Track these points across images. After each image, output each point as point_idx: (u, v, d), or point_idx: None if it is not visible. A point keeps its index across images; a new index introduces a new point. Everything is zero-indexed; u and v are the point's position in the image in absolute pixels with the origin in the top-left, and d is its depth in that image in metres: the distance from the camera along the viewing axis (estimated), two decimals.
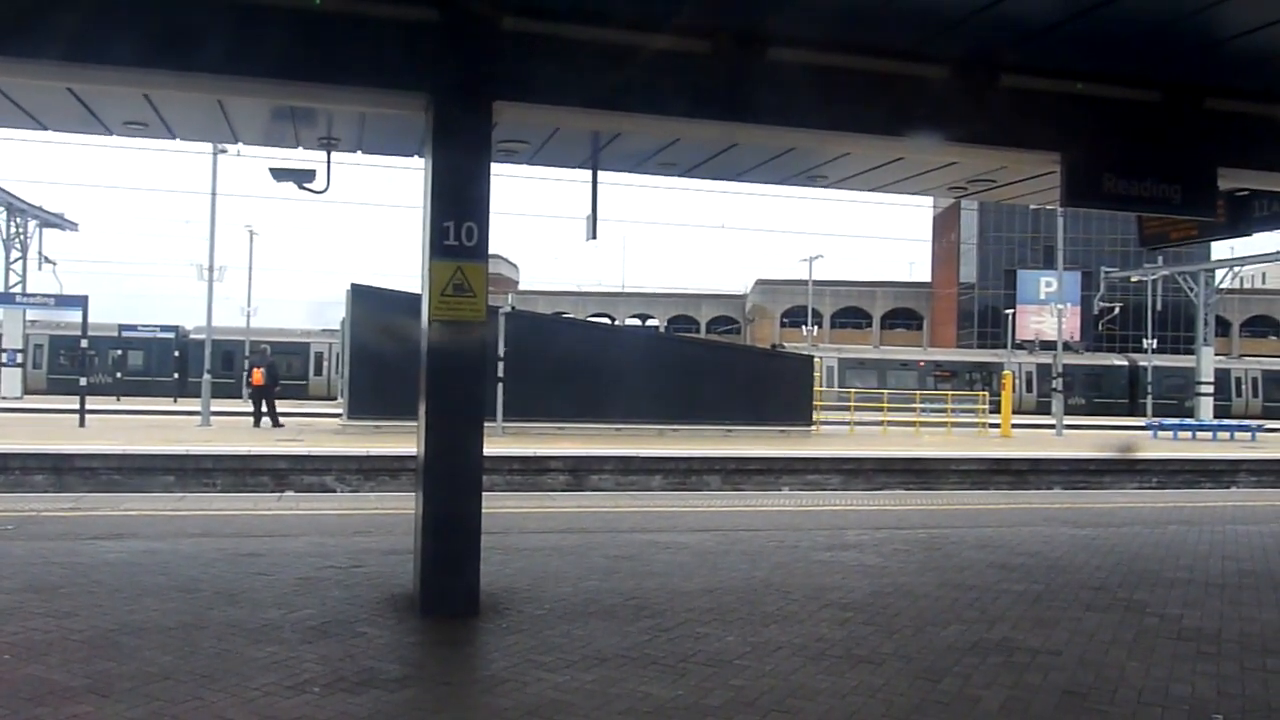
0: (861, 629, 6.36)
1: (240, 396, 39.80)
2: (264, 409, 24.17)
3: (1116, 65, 7.49)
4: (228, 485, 16.61)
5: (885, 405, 31.73)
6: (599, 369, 24.09)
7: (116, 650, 5.41)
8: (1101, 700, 5.07)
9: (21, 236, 34.58)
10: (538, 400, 23.14)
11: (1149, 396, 45.00)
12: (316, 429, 23.24)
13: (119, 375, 39.80)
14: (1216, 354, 42.34)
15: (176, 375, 42.95)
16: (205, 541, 8.76)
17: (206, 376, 25.79)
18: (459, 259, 6.41)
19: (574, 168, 9.50)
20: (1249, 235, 9.56)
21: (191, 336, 43.48)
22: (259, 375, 24.49)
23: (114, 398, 36.68)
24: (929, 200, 75.56)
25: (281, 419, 24.21)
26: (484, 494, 6.70)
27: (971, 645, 6.03)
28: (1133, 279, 43.74)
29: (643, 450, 19.95)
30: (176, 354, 44.01)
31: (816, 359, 32.21)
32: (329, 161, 8.83)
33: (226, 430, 22.51)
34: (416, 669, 5.48)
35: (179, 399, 39.11)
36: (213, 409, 25.05)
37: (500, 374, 22.64)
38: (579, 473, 18.78)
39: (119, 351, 41.55)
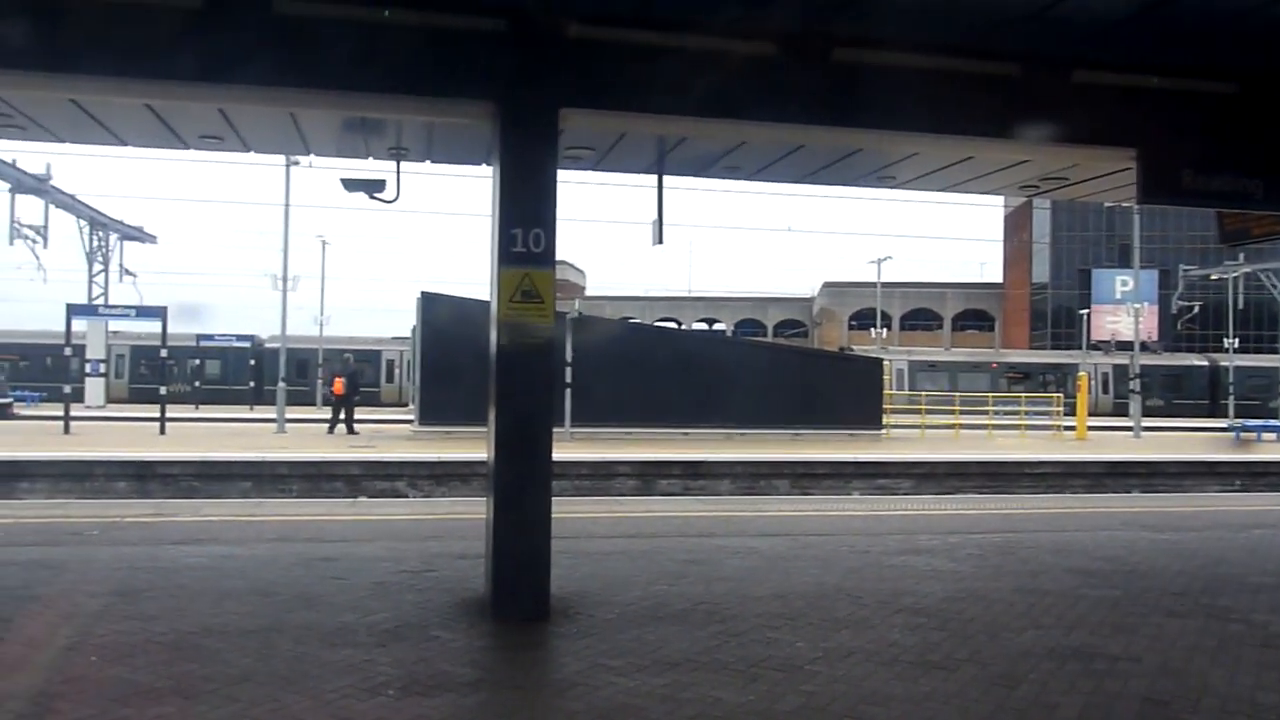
0: (935, 634, 6.27)
1: (315, 404, 40.64)
2: (341, 416, 24.60)
3: (1192, 58, 7.29)
4: (303, 491, 16.92)
5: (957, 408, 31.27)
6: (666, 374, 24.09)
7: (198, 653, 5.55)
8: (1184, 709, 4.94)
9: (103, 250, 35.62)
10: (606, 405, 23.22)
11: (1230, 397, 43.69)
12: (388, 435, 23.59)
13: (197, 384, 40.81)
14: None
15: (252, 384, 43.94)
16: (282, 546, 8.95)
17: (282, 384, 26.32)
18: (527, 266, 6.47)
19: (640, 173, 9.52)
20: None
21: (266, 345, 44.45)
22: (340, 384, 24.92)
23: (192, 405, 37.63)
24: (1000, 200, 74.37)
25: (357, 426, 24.62)
26: (553, 499, 6.75)
27: (1048, 651, 5.92)
28: (1212, 277, 42.48)
29: (710, 455, 19.91)
30: (252, 363, 45.04)
31: (886, 362, 31.84)
32: (399, 171, 8.97)
33: (301, 437, 22.95)
34: (488, 672, 5.53)
35: (254, 406, 39.99)
36: (287, 416, 25.56)
37: (568, 379, 22.77)
38: (647, 478, 18.79)
39: (197, 361, 42.60)
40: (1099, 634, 6.36)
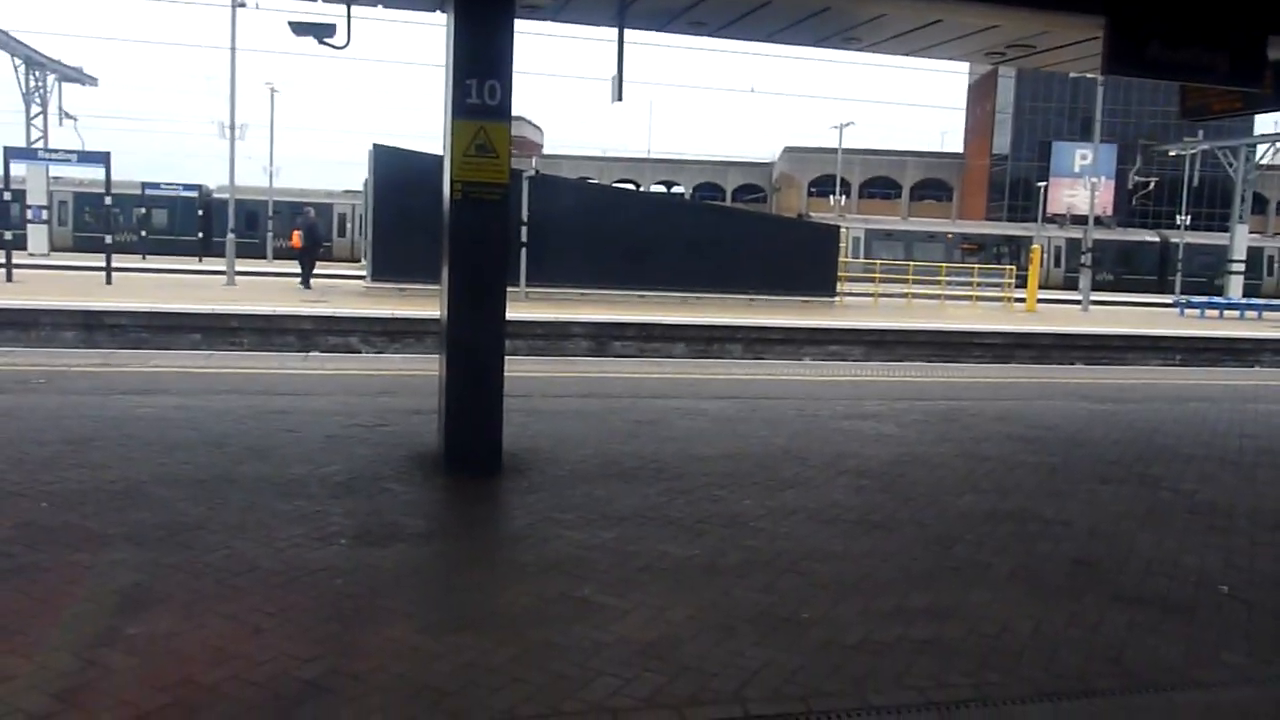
0: (877, 496, 6.46)
1: (265, 256, 39.97)
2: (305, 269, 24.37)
3: None
4: (254, 344, 16.80)
5: (911, 278, 31.51)
6: (623, 235, 23.93)
7: (149, 501, 5.57)
8: (1110, 570, 5.16)
9: (41, 91, 34.11)
10: (561, 266, 23.10)
11: (1179, 273, 44.43)
12: (341, 290, 23.36)
13: (143, 234, 39.84)
14: (1252, 232, 41.56)
15: (200, 235, 43.03)
16: (233, 398, 8.92)
17: (231, 236, 25.78)
18: (482, 118, 6.31)
19: (600, 25, 9.22)
20: None
21: (214, 195, 43.38)
22: (297, 237, 24.57)
23: (139, 256, 36.85)
24: (965, 68, 73.38)
25: (310, 281, 24.36)
26: (506, 358, 6.75)
27: (985, 514, 6.12)
28: (1171, 153, 42.63)
29: (665, 317, 19.98)
30: (200, 213, 44.01)
31: (843, 229, 31.83)
32: (349, 16, 8.60)
33: (251, 290, 22.66)
34: (440, 524, 5.63)
35: (203, 258, 39.28)
36: (237, 269, 25.15)
37: (524, 239, 22.54)
38: (601, 339, 18.87)
39: (143, 210, 41.51)
40: (1034, 498, 6.58)
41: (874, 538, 5.53)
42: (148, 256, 36.37)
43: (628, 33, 9.06)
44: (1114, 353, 21.80)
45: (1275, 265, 51.19)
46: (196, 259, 38.98)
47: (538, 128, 70.70)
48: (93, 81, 36.43)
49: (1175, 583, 5.00)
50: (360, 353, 16.87)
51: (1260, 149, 38.16)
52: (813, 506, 6.10)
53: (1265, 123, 49.36)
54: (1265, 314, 30.90)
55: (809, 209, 62.31)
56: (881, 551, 5.28)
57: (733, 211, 43.54)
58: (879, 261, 35.54)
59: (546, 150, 70.45)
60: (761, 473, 6.94)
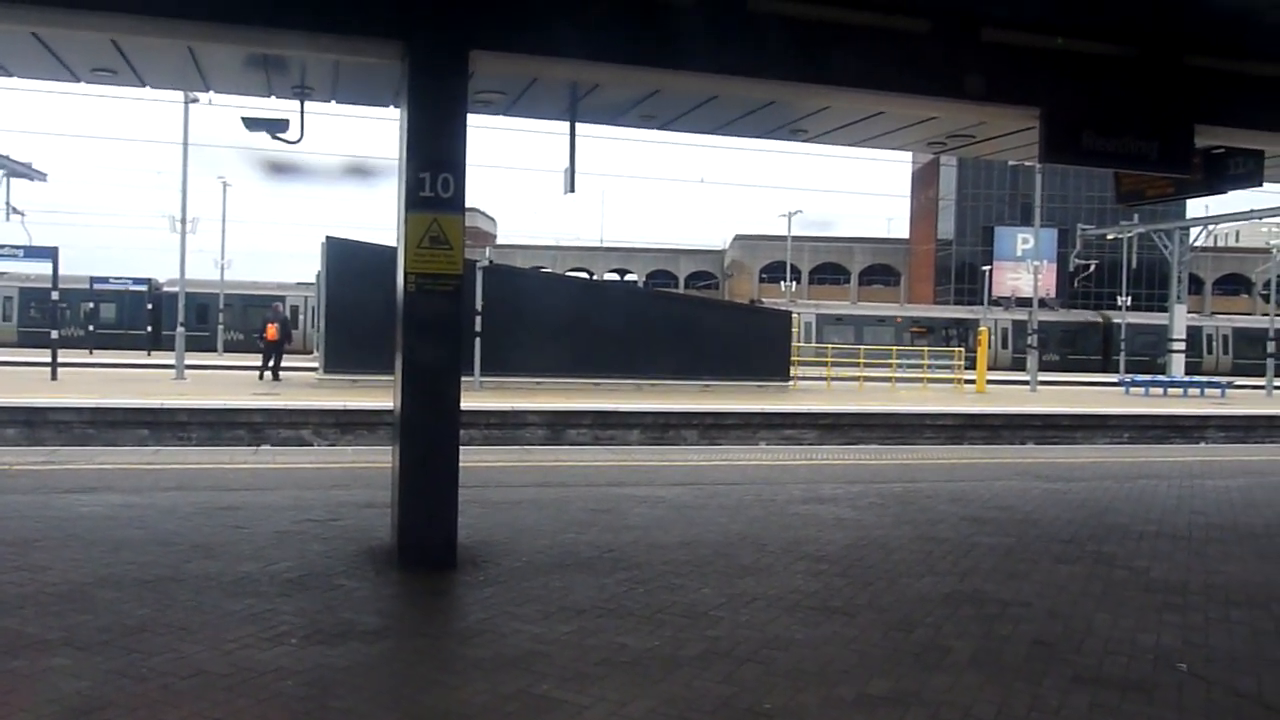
0: (836, 581, 6.43)
1: (215, 350, 39.59)
2: (271, 362, 24.30)
3: (1096, 20, 7.46)
4: (203, 439, 16.54)
5: (862, 361, 31.88)
6: (577, 324, 24.03)
7: (92, 603, 5.40)
8: (1069, 650, 5.16)
9: None
10: (515, 355, 23.11)
11: (1122, 353, 45.41)
12: (293, 383, 23.13)
13: (91, 328, 39.37)
14: (1189, 311, 42.68)
15: (149, 328, 42.59)
16: (181, 495, 8.74)
17: (181, 329, 25.51)
18: (435, 211, 6.36)
19: (552, 119, 9.40)
20: (1223, 193, 9.56)
21: (164, 289, 43.07)
22: (273, 330, 24.61)
23: (86, 351, 36.34)
24: (908, 157, 75.45)
25: (267, 374, 24.19)
26: (461, 448, 6.70)
27: (944, 597, 6.11)
28: (1108, 236, 43.88)
29: (620, 405, 19.99)
30: (149, 307, 43.62)
31: (795, 315, 32.24)
32: (303, 111, 8.70)
33: (201, 384, 22.37)
34: (394, 621, 5.51)
35: (152, 352, 38.81)
36: (187, 362, 24.86)
37: (478, 328, 22.57)
38: (557, 427, 18.82)
39: (90, 304, 41.08)
40: (992, 580, 6.59)
41: (834, 623, 5.49)
42: (95, 351, 35.90)
43: (580, 125, 9.24)
44: (1063, 431, 22.12)
45: (1214, 344, 52.57)
46: (145, 353, 38.49)
47: (491, 218, 71.34)
48: (42, 177, 36.17)
49: (1134, 661, 5.01)
50: (313, 445, 16.66)
51: (1193, 232, 39.43)
52: (772, 593, 6.06)
53: (1196, 207, 51.09)
54: (1207, 391, 31.58)
55: (761, 295, 63.11)
56: (842, 637, 5.25)
57: (686, 298, 43.97)
58: (831, 345, 35.96)
59: (500, 240, 71.12)
60: (720, 560, 6.89)
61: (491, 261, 26.01)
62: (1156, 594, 6.38)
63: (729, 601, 5.85)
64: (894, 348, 37.00)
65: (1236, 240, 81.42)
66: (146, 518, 7.73)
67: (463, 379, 6.86)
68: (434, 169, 6.35)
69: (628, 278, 77.79)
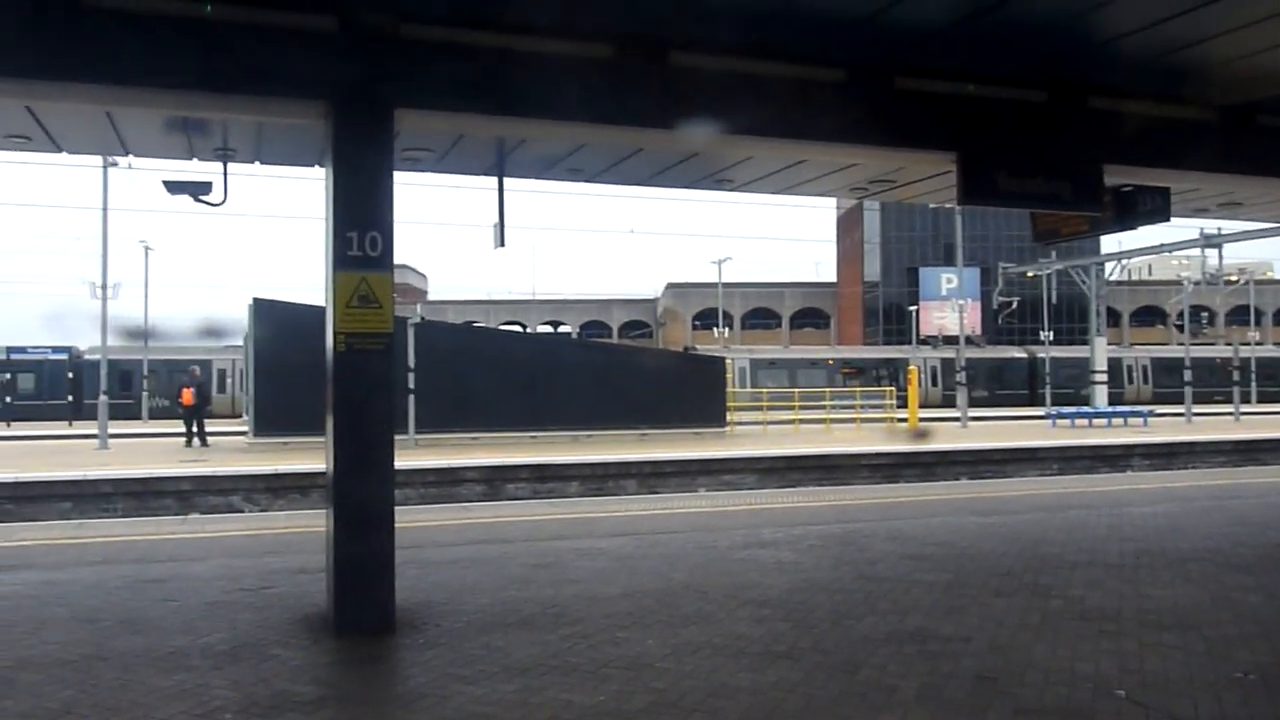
0: (779, 625, 6.43)
1: (140, 417, 38.60)
2: (194, 429, 23.68)
3: (1006, 67, 7.72)
4: (129, 510, 16.04)
5: (797, 404, 32.17)
6: (512, 377, 23.95)
7: (12, 687, 5.19)
8: (1012, 683, 5.21)
9: None
10: (451, 411, 22.92)
11: (1047, 386, 46.44)
12: (222, 448, 22.63)
13: (8, 399, 38.19)
14: (1109, 344, 43.89)
15: (70, 398, 41.44)
16: (106, 569, 8.46)
17: (103, 398, 24.86)
18: (364, 270, 6.31)
19: (480, 174, 9.43)
20: (1134, 229, 9.92)
21: (85, 357, 42.02)
22: (189, 395, 24.02)
23: (4, 424, 35.21)
24: (833, 202, 76.89)
25: (195, 441, 23.63)
26: (397, 508, 6.61)
27: (886, 636, 6.14)
28: (1029, 274, 45.01)
29: (558, 457, 19.88)
30: (70, 375, 42.48)
31: (729, 360, 32.48)
32: (226, 172, 8.61)
33: (126, 453, 21.78)
34: (332, 689, 5.37)
35: (73, 422, 37.71)
36: (111, 431, 24.19)
37: (410, 385, 22.35)
38: (495, 483, 18.63)
39: (7, 375, 39.89)
40: (933, 616, 6.65)
41: (779, 668, 5.48)
42: (13, 424, 34.80)
43: (508, 180, 9.28)
44: (995, 465, 22.49)
45: (1134, 374, 54.06)
46: (67, 423, 37.39)
47: (422, 274, 71.01)
48: None
49: (1074, 690, 5.07)
50: (243, 512, 16.28)
51: (1109, 266, 40.65)
52: (717, 641, 6.04)
53: (1110, 242, 52.77)
54: (1130, 420, 32.41)
55: (694, 342, 63.48)
56: (787, 682, 5.24)
57: (621, 348, 44.09)
58: (765, 390, 36.25)
59: (431, 296, 70.73)
60: (663, 610, 6.85)
61: (423, 318, 25.87)
62: (1092, 622, 6.48)
63: (673, 652, 5.81)
64: (827, 389, 37.43)
65: (1149, 273, 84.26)
66: (70, 594, 7.47)
67: (397, 437, 6.78)
68: (361, 228, 6.32)
69: (561, 329, 77.79)
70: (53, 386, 42.56)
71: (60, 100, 6.60)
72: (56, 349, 42.93)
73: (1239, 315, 68.53)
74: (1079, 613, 6.76)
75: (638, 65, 6.94)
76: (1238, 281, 54.28)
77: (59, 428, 34.45)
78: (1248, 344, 48.01)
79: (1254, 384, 45.56)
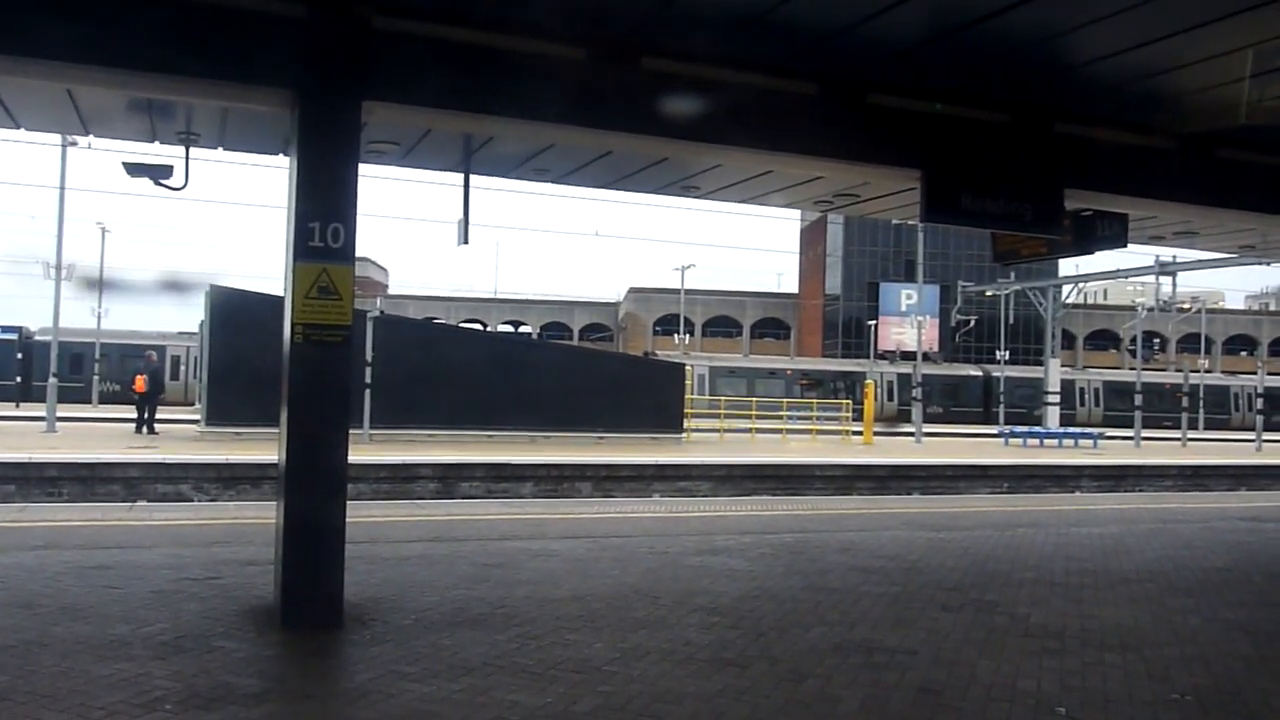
0: (728, 633, 6.45)
1: (91, 401, 37.94)
2: (145, 415, 23.29)
3: (973, 87, 7.82)
4: (75, 495, 15.77)
5: (754, 413, 32.30)
6: (470, 375, 23.82)
7: None
8: (955, 697, 5.27)
9: None
10: (407, 407, 22.76)
11: (1001, 405, 47.01)
12: (173, 436, 22.31)
13: None
14: (1063, 365, 44.50)
15: (19, 379, 40.63)
16: (49, 554, 8.31)
17: (53, 380, 24.43)
18: (325, 261, 6.26)
19: (446, 171, 9.40)
20: (1092, 253, 10.08)
21: (36, 338, 41.24)
22: (141, 382, 23.63)
23: None
24: (797, 214, 77.35)
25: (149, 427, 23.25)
26: (349, 503, 6.55)
27: (834, 646, 6.19)
28: (987, 293, 45.58)
29: (513, 457, 19.82)
30: (19, 356, 41.64)
31: (688, 367, 32.53)
32: (188, 157, 8.52)
33: (74, 437, 21.40)
34: (276, 683, 5.31)
35: (21, 404, 36.97)
36: (59, 414, 23.76)
37: (368, 380, 22.18)
38: (449, 480, 18.52)
39: None
40: (879, 628, 6.70)
41: (726, 676, 5.50)
42: None
43: (474, 177, 9.25)
44: (947, 481, 22.71)
45: (1086, 396, 54.87)
46: (14, 405, 36.64)
47: (383, 269, 70.46)
48: None
49: (1015, 707, 5.13)
50: (193, 501, 16.05)
51: (1065, 289, 41.25)
52: (665, 647, 6.05)
53: (1068, 265, 53.56)
54: (1080, 441, 32.87)
55: (654, 347, 63.54)
56: (734, 689, 5.25)
57: (580, 351, 44.06)
58: (723, 398, 36.36)
59: (392, 291, 70.19)
60: (613, 614, 6.85)
61: (383, 312, 25.68)
62: (1036, 639, 6.56)
63: (622, 656, 5.81)
64: (784, 400, 37.61)
65: (1105, 298, 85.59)
66: (10, 578, 7.33)
67: (352, 431, 6.73)
68: (324, 219, 6.26)
69: (522, 329, 77.55)
70: (1, 366, 41.72)
71: (14, 75, 6.47)
72: (6, 328, 42.10)
73: (1190, 342, 69.91)
74: (1023, 629, 6.85)
75: (610, 68, 6.95)
76: (1190, 309, 55.35)
77: (6, 409, 33.78)
78: (1197, 371, 48.92)
79: (1201, 411, 46.39)
